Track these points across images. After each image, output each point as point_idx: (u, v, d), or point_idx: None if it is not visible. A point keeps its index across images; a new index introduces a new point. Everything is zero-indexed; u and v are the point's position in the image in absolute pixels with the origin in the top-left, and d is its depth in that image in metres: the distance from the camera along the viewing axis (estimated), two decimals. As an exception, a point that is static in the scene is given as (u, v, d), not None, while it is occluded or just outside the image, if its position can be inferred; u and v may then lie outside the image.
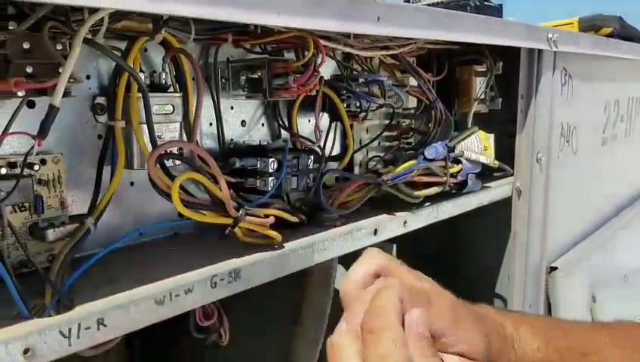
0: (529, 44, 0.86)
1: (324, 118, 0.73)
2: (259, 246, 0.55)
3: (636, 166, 1.51)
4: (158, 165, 0.48)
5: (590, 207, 1.24)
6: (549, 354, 0.49)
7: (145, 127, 0.49)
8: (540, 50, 0.91)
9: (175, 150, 0.52)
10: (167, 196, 0.48)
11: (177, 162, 0.52)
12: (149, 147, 0.49)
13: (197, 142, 0.55)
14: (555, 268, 1.03)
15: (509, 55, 0.91)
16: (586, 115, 1.13)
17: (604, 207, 1.31)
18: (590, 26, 1.32)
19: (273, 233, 0.56)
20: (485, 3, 0.89)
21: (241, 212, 0.52)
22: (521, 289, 0.97)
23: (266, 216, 0.55)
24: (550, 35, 0.89)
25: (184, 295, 0.47)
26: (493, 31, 0.77)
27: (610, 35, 1.29)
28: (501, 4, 0.91)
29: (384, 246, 0.71)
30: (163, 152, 0.48)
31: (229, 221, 0.52)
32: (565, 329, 0.54)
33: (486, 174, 0.89)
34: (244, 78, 0.61)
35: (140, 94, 0.49)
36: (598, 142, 1.22)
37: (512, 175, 0.93)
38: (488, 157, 0.83)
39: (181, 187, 0.49)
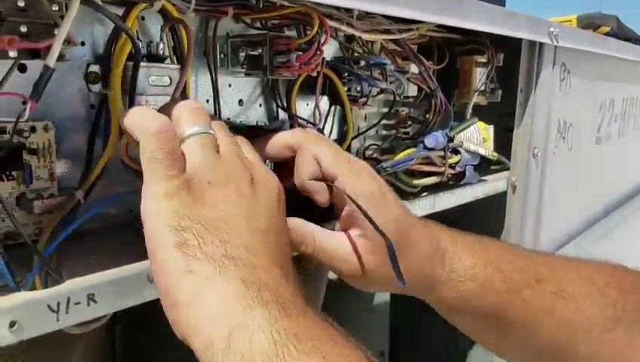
0: (531, 36, 0.85)
1: (323, 102, 0.71)
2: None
3: (628, 167, 1.52)
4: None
5: (582, 205, 1.24)
6: (488, 273, 0.48)
7: (142, 98, 0.47)
8: (541, 44, 0.90)
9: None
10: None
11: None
12: (145, 119, 0.47)
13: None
14: (548, 265, 1.02)
15: (510, 47, 0.90)
16: (582, 113, 1.13)
17: (595, 206, 1.31)
18: (588, 24, 1.31)
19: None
20: (488, -7, 0.88)
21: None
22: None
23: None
24: (552, 29, 0.88)
25: (178, 274, 0.45)
26: (496, 20, 0.76)
27: (607, 35, 1.29)
28: (504, -5, 0.90)
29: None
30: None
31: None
32: (521, 254, 0.52)
33: (483, 167, 0.88)
34: (243, 54, 0.59)
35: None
36: (592, 141, 1.22)
37: (509, 168, 0.92)
38: (487, 149, 0.82)
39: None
